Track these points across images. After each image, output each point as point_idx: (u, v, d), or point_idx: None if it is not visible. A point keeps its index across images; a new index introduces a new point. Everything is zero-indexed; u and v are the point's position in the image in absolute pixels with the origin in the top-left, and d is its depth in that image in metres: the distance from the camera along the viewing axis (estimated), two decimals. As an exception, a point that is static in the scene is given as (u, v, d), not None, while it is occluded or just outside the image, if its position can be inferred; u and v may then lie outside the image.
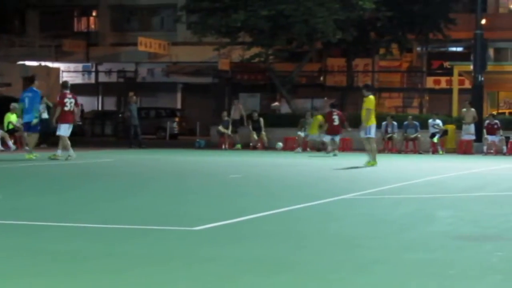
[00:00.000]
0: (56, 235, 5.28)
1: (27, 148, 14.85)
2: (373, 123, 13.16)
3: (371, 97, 13.31)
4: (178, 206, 7.24)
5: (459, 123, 20.10)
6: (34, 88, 14.66)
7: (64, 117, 13.79)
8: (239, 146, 20.09)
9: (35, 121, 14.44)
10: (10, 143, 18.47)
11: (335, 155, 16.26)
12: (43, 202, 7.55)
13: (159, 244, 4.95)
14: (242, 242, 5.10)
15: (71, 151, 13.68)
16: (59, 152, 13.59)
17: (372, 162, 12.85)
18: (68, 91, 14.13)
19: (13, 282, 3.68)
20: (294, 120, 20.84)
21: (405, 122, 19.72)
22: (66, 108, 13.78)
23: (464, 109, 19.90)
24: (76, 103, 14.45)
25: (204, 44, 26.00)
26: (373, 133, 13.25)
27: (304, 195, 8.04)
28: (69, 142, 13.70)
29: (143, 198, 7.83)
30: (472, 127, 19.49)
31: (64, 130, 13.76)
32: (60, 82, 27.48)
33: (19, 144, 18.50)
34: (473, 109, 19.48)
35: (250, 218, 6.23)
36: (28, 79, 19.10)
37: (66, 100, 13.84)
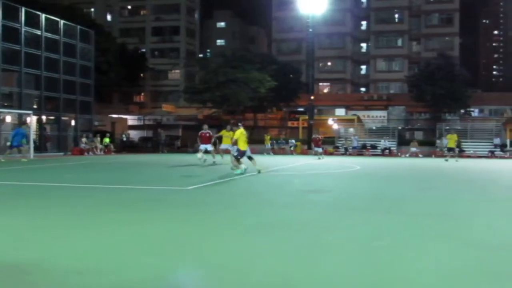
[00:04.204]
0: (120, 191, 11.11)
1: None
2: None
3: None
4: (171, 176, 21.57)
5: (302, 142, 51.11)
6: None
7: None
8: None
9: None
10: (98, 151, 37.69)
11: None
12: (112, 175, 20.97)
13: (178, 195, 10.14)
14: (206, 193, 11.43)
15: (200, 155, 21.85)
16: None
17: (240, 170, 16.78)
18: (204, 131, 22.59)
19: (115, 216, 7.63)
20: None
21: (272, 140, 50.45)
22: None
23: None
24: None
25: (192, 107, 59.10)
26: (235, 151, 17.62)
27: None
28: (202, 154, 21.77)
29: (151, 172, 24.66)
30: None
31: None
32: (127, 124, 60.92)
33: (108, 151, 40.66)
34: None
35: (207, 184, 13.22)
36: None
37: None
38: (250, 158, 18.00)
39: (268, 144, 42.26)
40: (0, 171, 18.53)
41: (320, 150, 33.24)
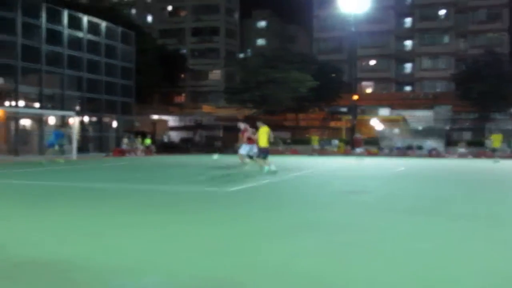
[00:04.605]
0: (161, 192, 12.12)
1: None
2: (261, 145, 17.93)
3: (264, 128, 18.09)
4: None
5: (344, 142, 49.53)
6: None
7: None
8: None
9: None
10: (139, 152, 39.85)
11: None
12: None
13: (220, 196, 10.30)
14: (248, 195, 11.06)
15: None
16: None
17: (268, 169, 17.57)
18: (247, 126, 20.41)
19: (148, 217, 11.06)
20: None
21: (322, 141, 48.04)
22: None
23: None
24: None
25: (231, 108, 59.52)
26: (255, 151, 18.83)
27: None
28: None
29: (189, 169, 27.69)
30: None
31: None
32: (168, 126, 61.64)
33: (149, 151, 41.37)
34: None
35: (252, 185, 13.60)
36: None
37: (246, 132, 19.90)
38: (251, 157, 18.70)
39: (316, 145, 41.94)
40: (40, 172, 18.96)
41: (361, 150, 32.81)
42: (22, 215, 8.17)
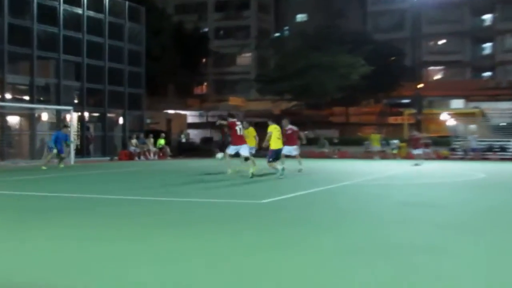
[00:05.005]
0: (185, 206, 11.35)
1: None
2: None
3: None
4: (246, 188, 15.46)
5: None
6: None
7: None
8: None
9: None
10: (152, 155, 38.34)
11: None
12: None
13: (251, 210, 10.44)
14: (288, 209, 10.55)
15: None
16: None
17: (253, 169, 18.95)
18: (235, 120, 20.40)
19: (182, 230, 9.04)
20: (316, 141, 47.44)
21: (384, 141, 42.80)
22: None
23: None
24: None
25: (265, 100, 58.92)
26: (250, 150, 19.97)
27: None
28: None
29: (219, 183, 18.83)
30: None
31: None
32: (186, 122, 61.84)
33: (163, 154, 40.68)
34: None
35: (292, 196, 12.83)
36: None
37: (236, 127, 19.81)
38: (246, 159, 19.79)
39: (376, 146, 41.13)
40: (39, 180, 19.21)
41: (420, 152, 32.24)
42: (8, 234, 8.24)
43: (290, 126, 22.35)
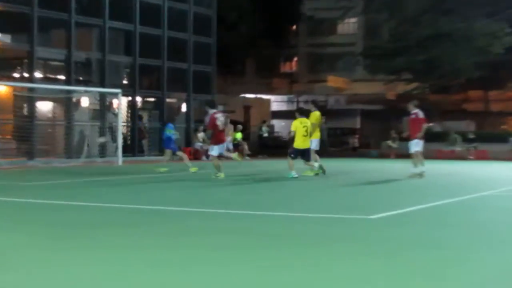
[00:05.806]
0: (275, 221, 11.67)
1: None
2: (316, 137, 21.20)
3: (317, 112, 21.38)
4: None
5: None
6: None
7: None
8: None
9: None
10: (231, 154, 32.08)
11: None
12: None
13: (358, 228, 10.67)
14: (405, 227, 10.83)
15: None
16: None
17: (314, 171, 21.19)
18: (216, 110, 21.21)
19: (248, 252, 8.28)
20: (445, 137, 45.43)
21: None
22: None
23: None
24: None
25: (376, 81, 56.04)
26: (314, 146, 21.27)
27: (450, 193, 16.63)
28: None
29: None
30: None
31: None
32: (270, 110, 61.14)
33: (240, 153, 37.12)
34: None
35: (411, 210, 13.17)
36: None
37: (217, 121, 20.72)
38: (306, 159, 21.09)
39: None
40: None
41: None
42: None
43: (415, 110, 21.97)
